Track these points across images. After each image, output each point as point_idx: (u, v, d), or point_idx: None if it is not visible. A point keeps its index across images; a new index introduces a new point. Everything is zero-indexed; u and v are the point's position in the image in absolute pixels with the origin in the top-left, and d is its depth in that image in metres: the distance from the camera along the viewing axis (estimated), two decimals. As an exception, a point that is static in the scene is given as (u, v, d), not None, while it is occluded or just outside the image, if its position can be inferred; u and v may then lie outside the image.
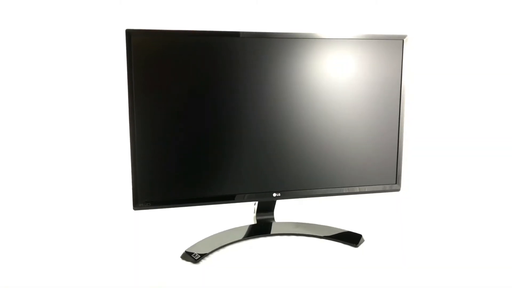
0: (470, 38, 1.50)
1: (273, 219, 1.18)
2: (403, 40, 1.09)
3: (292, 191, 1.09)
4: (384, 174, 1.13)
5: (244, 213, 1.25)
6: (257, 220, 1.16)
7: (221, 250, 1.06)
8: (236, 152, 1.03)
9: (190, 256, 1.01)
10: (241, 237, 1.10)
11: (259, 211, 1.17)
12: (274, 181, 1.07)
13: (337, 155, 1.09)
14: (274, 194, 1.08)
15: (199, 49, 0.98)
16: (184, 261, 1.00)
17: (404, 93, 1.11)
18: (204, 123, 1.00)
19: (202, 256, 1.02)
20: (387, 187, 1.14)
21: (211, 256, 1.03)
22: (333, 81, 1.06)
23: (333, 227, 1.16)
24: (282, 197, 1.08)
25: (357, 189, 1.12)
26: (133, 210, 1.00)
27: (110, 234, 1.15)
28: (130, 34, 0.93)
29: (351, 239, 1.11)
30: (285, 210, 1.23)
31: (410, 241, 1.12)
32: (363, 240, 1.11)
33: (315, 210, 1.31)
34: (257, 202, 1.15)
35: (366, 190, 1.13)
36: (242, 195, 1.06)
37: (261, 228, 1.14)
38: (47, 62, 1.36)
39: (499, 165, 1.53)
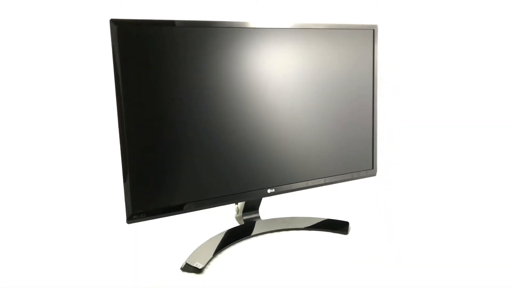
0: (441, 26, 1.52)
1: (259, 217, 1.14)
2: (373, 30, 1.13)
3: (285, 185, 1.06)
4: (360, 161, 1.17)
5: (222, 215, 1.19)
6: (244, 220, 1.11)
7: (219, 256, 0.99)
8: (224, 152, 0.98)
9: (193, 267, 0.92)
10: (235, 240, 1.04)
11: (245, 210, 1.12)
12: (267, 177, 1.03)
13: (314, 146, 1.09)
14: (269, 190, 1.04)
15: (182, 41, 0.90)
16: (187, 273, 0.92)
17: (377, 81, 1.15)
18: (188, 123, 0.93)
19: (204, 265, 0.94)
20: (364, 173, 1.18)
21: (212, 263, 0.96)
22: (302, 72, 1.05)
23: (319, 218, 1.16)
24: (276, 192, 1.05)
25: (337, 178, 1.13)
26: (111, 224, 0.89)
27: (94, 255, 1.00)
28: (117, 25, 0.82)
29: (340, 227, 1.12)
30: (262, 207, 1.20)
31: (394, 225, 1.16)
32: (350, 227, 1.13)
33: (292, 203, 1.30)
34: (243, 202, 1.10)
35: (345, 178, 1.15)
36: (240, 194, 1.01)
37: (250, 227, 1.09)
38: (22, 58, 1.21)
39: (473, 147, 1.57)
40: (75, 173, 1.30)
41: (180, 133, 0.91)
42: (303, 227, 1.11)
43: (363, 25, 1.12)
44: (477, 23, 1.50)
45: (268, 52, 1.00)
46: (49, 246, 1.04)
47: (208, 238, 1.04)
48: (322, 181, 1.11)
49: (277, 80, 1.02)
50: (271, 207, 1.26)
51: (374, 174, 1.20)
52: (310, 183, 1.09)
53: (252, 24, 0.97)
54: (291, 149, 1.06)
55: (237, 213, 1.14)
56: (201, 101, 0.93)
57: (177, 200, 0.93)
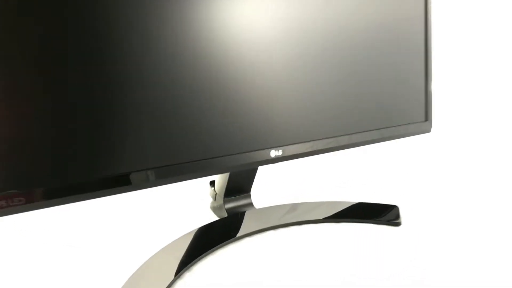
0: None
1: (251, 204, 0.68)
2: None
3: (296, 145, 0.61)
4: (410, 111, 0.73)
5: (190, 205, 0.73)
6: (228, 211, 0.65)
7: (187, 275, 0.53)
8: (199, 92, 0.52)
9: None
10: (215, 245, 0.58)
11: (229, 193, 0.66)
12: (269, 132, 0.58)
13: (340, 88, 0.65)
14: (273, 153, 0.58)
15: None
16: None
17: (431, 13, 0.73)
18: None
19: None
20: (414, 127, 0.74)
21: (187, 277, 0.50)
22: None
23: (348, 202, 0.71)
24: (283, 157, 0.59)
25: (375, 135, 0.69)
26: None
27: None
28: None
29: (384, 215, 0.68)
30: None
31: (462, 205, 0.74)
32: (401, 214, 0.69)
33: (295, 180, 0.85)
34: (225, 180, 0.65)
35: (387, 135, 0.71)
36: (226, 158, 0.54)
37: (238, 222, 0.64)
38: None
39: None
40: None
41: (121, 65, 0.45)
42: (323, 218, 0.67)
43: None
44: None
45: None
46: None
47: (166, 243, 0.58)
48: (352, 139, 0.67)
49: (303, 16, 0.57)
50: (263, 188, 0.81)
51: (428, 130, 0.77)
52: (332, 142, 0.65)
53: None
54: (304, 91, 0.60)
55: (214, 199, 0.69)
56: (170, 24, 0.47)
57: (118, 166, 0.46)
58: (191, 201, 0.75)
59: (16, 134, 0.41)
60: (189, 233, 0.60)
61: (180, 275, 0.52)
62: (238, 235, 0.61)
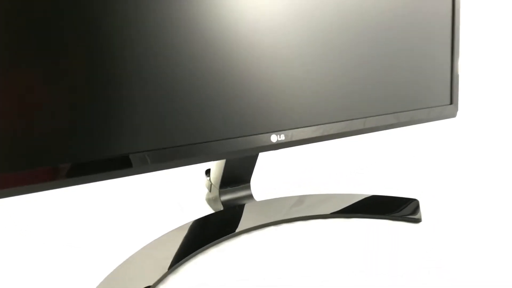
0: None
1: (251, 196, 0.61)
2: None
3: (301, 129, 0.53)
4: (433, 94, 0.65)
5: (184, 198, 0.66)
6: (224, 203, 0.58)
7: (181, 270, 0.45)
8: (195, 70, 0.44)
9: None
10: (209, 241, 0.51)
11: (225, 184, 0.59)
12: (270, 114, 0.50)
13: (360, 71, 0.57)
14: (274, 137, 0.50)
15: None
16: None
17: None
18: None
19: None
20: (437, 111, 0.66)
21: (166, 284, 0.43)
22: None
23: (361, 194, 0.64)
24: (286, 142, 0.52)
25: (393, 118, 0.61)
26: None
27: None
28: None
29: (401, 209, 0.60)
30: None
31: (488, 198, 0.65)
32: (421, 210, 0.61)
33: (300, 169, 0.77)
34: (220, 168, 0.57)
35: (412, 119, 0.63)
36: (221, 143, 0.47)
37: (236, 216, 0.56)
38: None
39: None
40: None
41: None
42: (331, 212, 0.59)
43: None
44: None
45: None
46: None
47: (152, 239, 0.51)
48: (366, 123, 0.59)
49: None
50: (264, 178, 0.73)
51: (454, 115, 0.68)
52: (343, 126, 0.56)
53: None
54: (311, 70, 0.52)
55: (209, 190, 0.61)
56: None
57: (113, 148, 0.40)
58: (185, 192, 0.68)
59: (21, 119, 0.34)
60: (180, 228, 0.53)
61: (163, 278, 0.45)
62: (234, 231, 0.53)
